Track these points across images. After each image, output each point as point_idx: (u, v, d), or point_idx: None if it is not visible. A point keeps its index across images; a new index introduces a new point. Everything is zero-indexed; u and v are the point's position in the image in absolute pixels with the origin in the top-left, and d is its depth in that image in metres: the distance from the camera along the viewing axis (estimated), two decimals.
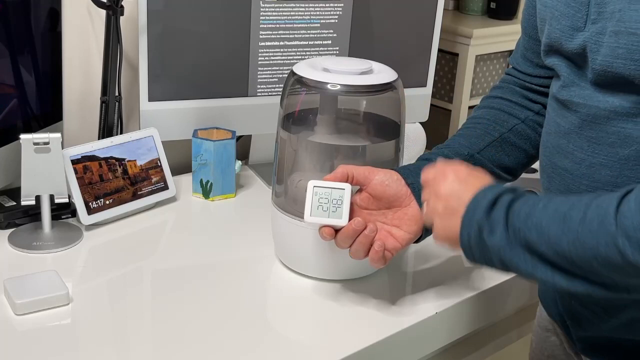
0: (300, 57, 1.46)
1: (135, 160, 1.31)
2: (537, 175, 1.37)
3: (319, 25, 1.47)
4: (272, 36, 1.43)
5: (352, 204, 1.00)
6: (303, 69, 1.09)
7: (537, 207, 0.81)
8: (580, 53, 0.86)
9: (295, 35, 1.45)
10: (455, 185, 0.88)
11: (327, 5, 1.46)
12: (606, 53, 0.82)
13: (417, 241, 1.03)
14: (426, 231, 1.02)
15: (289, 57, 1.46)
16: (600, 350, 0.96)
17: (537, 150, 1.05)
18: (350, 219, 0.99)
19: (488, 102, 1.13)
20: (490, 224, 0.83)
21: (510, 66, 1.14)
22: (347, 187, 1.01)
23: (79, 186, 1.21)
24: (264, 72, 1.45)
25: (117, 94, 1.35)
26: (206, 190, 1.38)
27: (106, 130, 1.35)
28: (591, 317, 0.94)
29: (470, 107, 2.26)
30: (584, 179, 0.88)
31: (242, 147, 1.57)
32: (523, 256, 0.81)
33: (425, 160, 1.07)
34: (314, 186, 1.02)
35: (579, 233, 0.76)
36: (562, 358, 1.07)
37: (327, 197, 1.01)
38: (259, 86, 1.45)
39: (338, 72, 1.08)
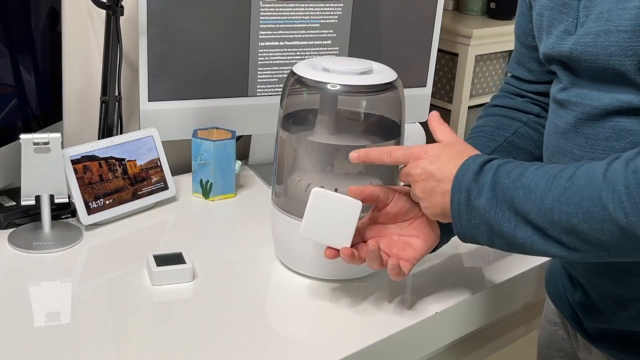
0: (300, 57, 1.46)
1: (135, 160, 1.31)
2: None
3: (318, 25, 1.47)
4: (272, 36, 1.43)
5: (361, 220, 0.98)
6: (303, 69, 1.09)
7: (529, 169, 0.85)
8: (572, 56, 0.88)
9: (295, 35, 1.45)
10: (428, 165, 0.91)
11: (327, 5, 1.46)
12: (599, 52, 0.84)
13: (434, 249, 1.03)
14: (442, 239, 1.02)
15: (289, 57, 1.46)
16: (611, 340, 0.98)
17: (542, 150, 1.06)
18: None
19: (489, 111, 1.16)
20: (479, 186, 0.86)
21: (509, 74, 1.16)
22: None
23: (79, 186, 1.21)
24: (264, 72, 1.45)
25: (117, 94, 1.35)
26: (206, 190, 1.38)
27: (106, 130, 1.35)
28: (604, 309, 0.96)
29: (470, 107, 2.25)
30: None
31: (242, 147, 1.57)
32: (507, 215, 0.84)
33: None
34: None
35: (565, 189, 0.80)
36: (570, 351, 1.09)
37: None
38: (259, 86, 1.45)
39: (338, 72, 1.08)
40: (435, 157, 0.91)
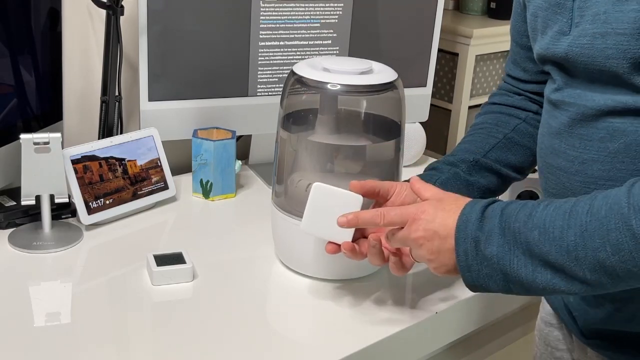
0: (300, 57, 1.46)
1: (135, 160, 1.31)
2: (537, 175, 1.37)
3: (319, 25, 1.47)
4: (272, 36, 1.43)
5: None
6: (303, 69, 1.09)
7: (537, 209, 0.82)
8: (568, 57, 0.88)
9: (295, 35, 1.45)
10: (428, 224, 0.87)
11: (327, 5, 1.46)
12: (595, 55, 0.84)
13: None
14: None
15: (289, 57, 1.46)
16: (606, 341, 0.97)
17: None
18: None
19: (488, 109, 1.16)
20: (486, 234, 0.83)
21: (506, 73, 1.16)
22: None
23: (79, 186, 1.21)
24: (264, 72, 1.45)
25: (117, 93, 1.35)
26: (206, 190, 1.38)
27: (106, 130, 1.35)
28: (600, 311, 0.95)
29: (470, 107, 2.25)
30: (578, 175, 0.89)
31: (242, 147, 1.57)
32: (524, 260, 0.81)
33: (433, 169, 1.08)
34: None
35: (587, 223, 0.77)
36: (566, 352, 1.08)
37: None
38: (259, 86, 1.45)
39: (338, 72, 1.08)
40: (433, 214, 0.87)
